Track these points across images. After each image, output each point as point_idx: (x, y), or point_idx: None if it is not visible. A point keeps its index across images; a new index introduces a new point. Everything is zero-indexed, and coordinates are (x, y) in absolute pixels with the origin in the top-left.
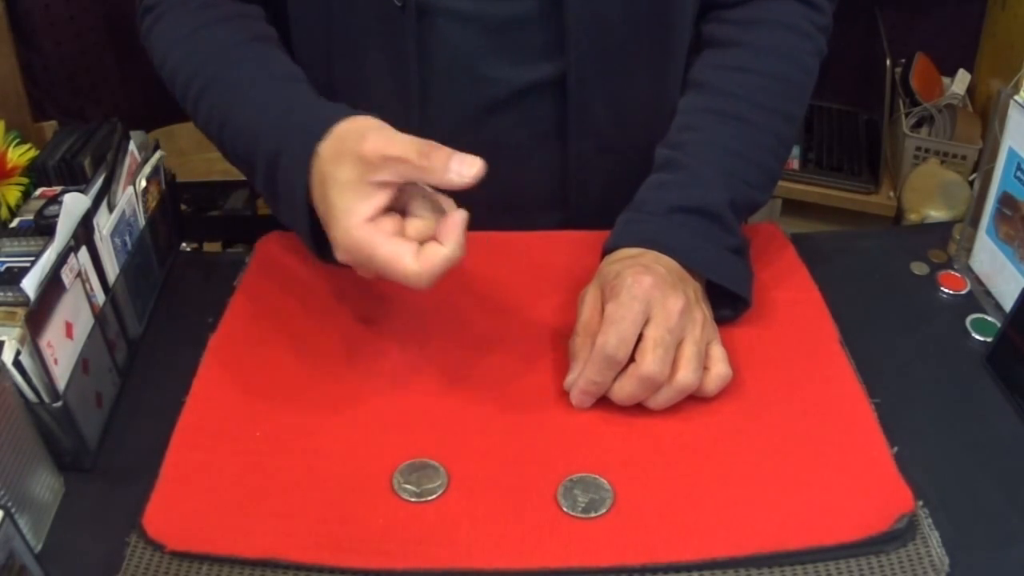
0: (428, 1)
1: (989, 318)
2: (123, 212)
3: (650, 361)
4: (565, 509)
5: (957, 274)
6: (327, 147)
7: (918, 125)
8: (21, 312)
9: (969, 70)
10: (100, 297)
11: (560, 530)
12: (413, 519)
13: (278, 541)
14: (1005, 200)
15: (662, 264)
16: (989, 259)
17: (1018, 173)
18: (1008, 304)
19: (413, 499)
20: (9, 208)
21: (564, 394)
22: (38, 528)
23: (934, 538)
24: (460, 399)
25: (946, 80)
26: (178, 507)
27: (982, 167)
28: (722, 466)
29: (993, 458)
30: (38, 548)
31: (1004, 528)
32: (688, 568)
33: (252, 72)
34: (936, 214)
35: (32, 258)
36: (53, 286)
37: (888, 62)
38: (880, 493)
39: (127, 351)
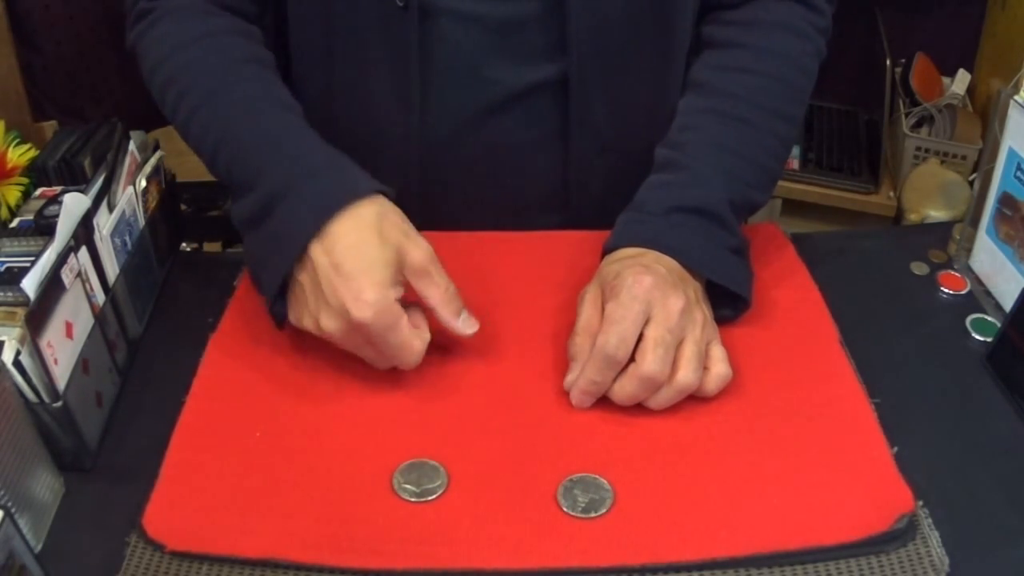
0: (430, 1)
1: (989, 318)
2: (123, 212)
3: (650, 361)
4: (565, 509)
5: (957, 274)
6: (367, 210)
7: (918, 125)
8: (21, 312)
9: (969, 70)
10: (100, 297)
11: (560, 530)
12: (413, 519)
13: (278, 541)
14: (1005, 200)
15: (662, 264)
16: (989, 259)
17: (1018, 173)
18: (1008, 304)
19: (413, 499)
20: (9, 208)
21: (564, 394)
22: (38, 528)
23: (934, 538)
24: (460, 399)
25: (946, 80)
26: (178, 507)
27: (982, 167)
28: (722, 466)
29: (993, 458)
30: (38, 548)
31: (1004, 528)
32: (688, 568)
33: (254, 95)
34: (936, 214)
35: (32, 258)
36: (53, 286)
37: (888, 62)
38: (880, 493)
39: (127, 351)
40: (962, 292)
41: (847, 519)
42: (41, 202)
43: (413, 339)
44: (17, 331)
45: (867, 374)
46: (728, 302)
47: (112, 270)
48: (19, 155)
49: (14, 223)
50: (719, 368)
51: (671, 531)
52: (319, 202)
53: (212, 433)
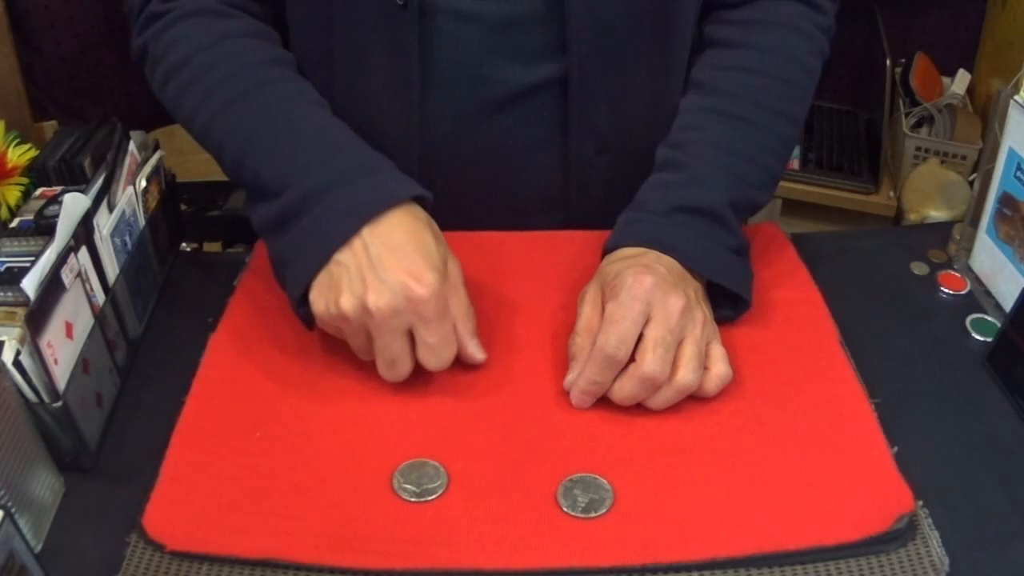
0: (430, 0)
1: (989, 318)
2: (123, 212)
3: (650, 361)
4: (565, 509)
5: (957, 274)
6: (420, 211)
7: (918, 125)
8: (21, 312)
9: (969, 70)
10: (100, 297)
11: (560, 530)
12: (413, 519)
13: (278, 541)
14: (1005, 200)
15: (663, 264)
16: (989, 259)
17: (1018, 173)
18: (1008, 304)
19: (413, 499)
20: (9, 208)
21: (564, 394)
22: (38, 528)
23: (934, 538)
24: (460, 399)
25: (946, 80)
26: (178, 507)
27: (982, 167)
28: (722, 466)
29: (993, 458)
30: (38, 548)
31: (1004, 528)
32: (688, 568)
33: (286, 95)
34: (936, 214)
35: (32, 258)
36: (53, 286)
37: (888, 62)
38: (880, 493)
39: (127, 351)
40: (962, 292)
41: (847, 519)
42: (41, 202)
43: (453, 338)
44: (17, 331)
45: (867, 374)
46: (728, 302)
47: (112, 270)
48: (19, 155)
49: (14, 223)
50: (719, 368)
51: (671, 531)
52: (375, 193)
53: (212, 433)
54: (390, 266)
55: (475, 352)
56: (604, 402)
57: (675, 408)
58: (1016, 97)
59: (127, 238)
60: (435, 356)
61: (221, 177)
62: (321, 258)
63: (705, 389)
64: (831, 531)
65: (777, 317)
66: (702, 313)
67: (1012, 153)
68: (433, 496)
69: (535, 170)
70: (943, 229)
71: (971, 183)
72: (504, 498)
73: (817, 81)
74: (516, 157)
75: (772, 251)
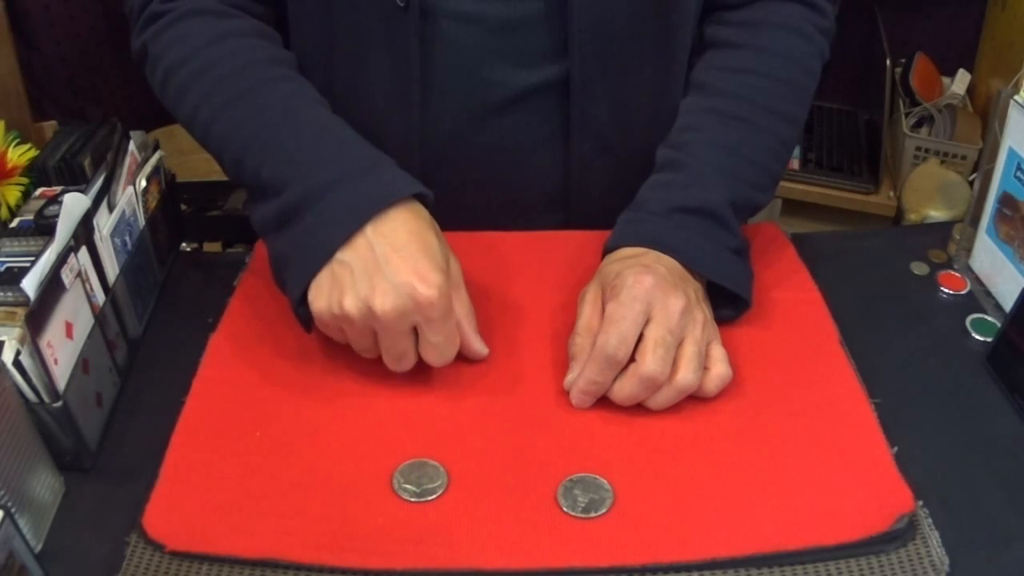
0: (431, 2)
1: (989, 318)
2: (123, 212)
3: (651, 361)
4: (565, 509)
5: (957, 274)
6: (422, 209)
7: (918, 125)
8: (21, 312)
9: (969, 70)
10: (100, 297)
11: (560, 530)
12: (413, 519)
13: (278, 541)
14: (1005, 200)
15: (663, 264)
16: (989, 259)
17: (1018, 173)
18: (1008, 304)
19: (413, 499)
20: (9, 208)
21: (564, 394)
22: (38, 528)
23: (934, 538)
24: (460, 399)
25: (946, 80)
26: (178, 507)
27: (982, 167)
28: (722, 466)
29: (993, 458)
30: (38, 548)
31: (1004, 528)
32: (688, 568)
33: (287, 94)
34: (936, 214)
35: (32, 258)
36: (53, 286)
37: (888, 62)
38: (880, 493)
39: (127, 351)
40: (962, 292)
41: (847, 519)
42: (41, 202)
43: (458, 336)
44: (17, 331)
45: (867, 374)
46: (728, 302)
47: (112, 270)
48: (19, 155)
49: (14, 223)
50: (719, 368)
51: (671, 531)
52: (378, 190)
53: (212, 433)
54: (396, 267)
55: (480, 348)
56: (604, 402)
57: (675, 408)
58: (1016, 97)
59: (127, 238)
60: (439, 354)
61: (221, 177)
62: (324, 256)
63: (705, 389)
64: (831, 531)
65: (777, 317)
66: (702, 313)
67: (1012, 153)
68: (433, 496)
69: (536, 171)
70: (943, 229)
71: (971, 183)
72: (504, 498)
73: (817, 82)
74: (517, 158)
75: (772, 251)
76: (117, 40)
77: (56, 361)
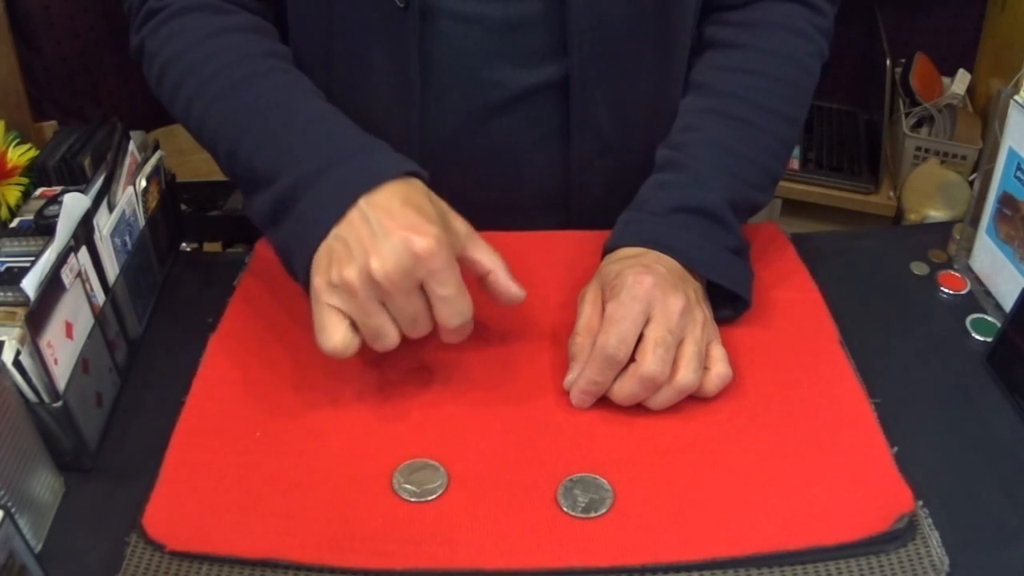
0: (431, 2)
1: (989, 318)
2: (123, 212)
3: (651, 361)
4: (565, 509)
5: (957, 274)
6: (416, 182)
7: (918, 125)
8: (21, 312)
9: (969, 70)
10: (100, 297)
11: (560, 530)
12: (413, 519)
13: (278, 541)
14: (1005, 200)
15: (663, 264)
16: (989, 259)
17: (1018, 173)
18: (1008, 304)
19: (413, 499)
20: (9, 208)
21: (564, 394)
22: (38, 528)
23: (934, 538)
24: (460, 399)
25: (946, 80)
26: (178, 507)
27: (982, 167)
28: (722, 466)
29: (993, 458)
30: (38, 548)
31: (1004, 528)
32: (688, 568)
33: (280, 84)
34: (936, 214)
35: (32, 258)
36: (53, 286)
37: (888, 62)
38: (880, 493)
39: (127, 351)
40: (962, 292)
41: (847, 519)
42: (41, 202)
43: (466, 289)
44: (17, 331)
45: (867, 374)
46: (728, 302)
47: (112, 270)
48: (19, 155)
49: (14, 223)
50: (719, 368)
51: (671, 531)
52: (370, 169)
53: (212, 433)
54: (389, 228)
55: (517, 291)
56: (604, 402)
57: (675, 408)
58: (1016, 97)
59: (127, 238)
60: (451, 308)
61: (221, 177)
62: (319, 236)
63: (705, 389)
64: (831, 531)
65: (777, 317)
66: (702, 313)
67: (1012, 153)
68: (433, 496)
69: (536, 172)
70: (943, 229)
71: (971, 183)
72: (504, 498)
73: (816, 82)
74: (517, 159)
75: (772, 251)
76: (117, 40)
77: (56, 361)
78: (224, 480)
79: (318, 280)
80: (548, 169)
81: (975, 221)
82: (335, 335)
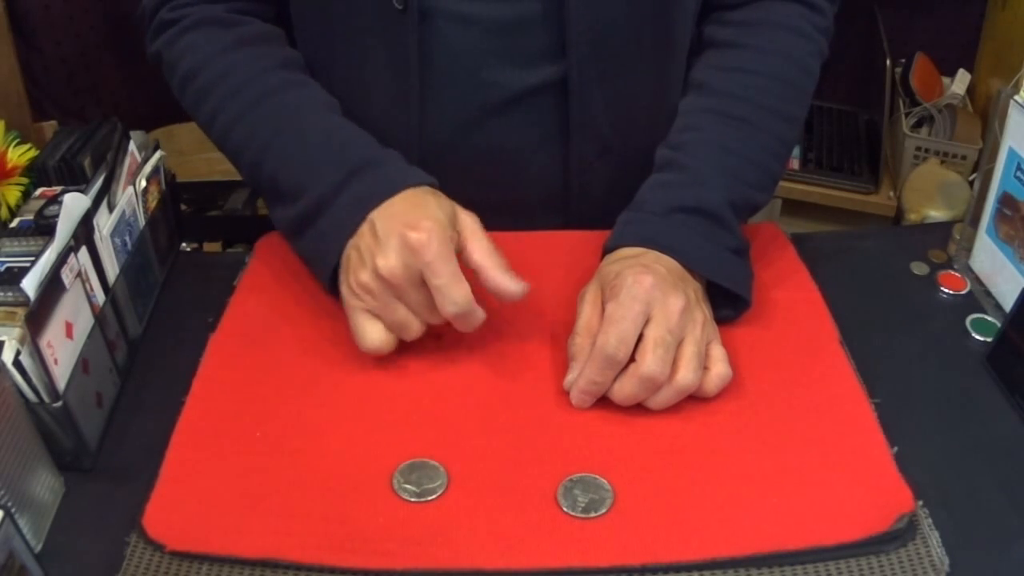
0: (429, 3)
1: (989, 318)
2: (123, 212)
3: (650, 361)
4: (565, 509)
5: (957, 274)
6: (424, 189)
7: (918, 125)
8: (21, 312)
9: (969, 70)
10: (100, 297)
11: (560, 530)
12: (413, 519)
13: (278, 541)
14: (1005, 200)
15: (662, 264)
16: (989, 259)
17: (1018, 173)
18: (1008, 304)
19: (413, 499)
20: (9, 208)
21: (564, 394)
22: (38, 528)
23: (934, 538)
24: (460, 399)
25: (946, 80)
26: (178, 507)
27: (982, 167)
28: (722, 466)
29: (993, 458)
30: (38, 548)
31: (1004, 528)
32: (688, 568)
33: (297, 102)
34: (936, 214)
35: (32, 258)
36: (53, 286)
37: (888, 62)
38: (880, 493)
39: (127, 351)
40: (962, 292)
41: (847, 519)
42: (41, 202)
43: (463, 278)
44: (17, 331)
45: (867, 374)
46: (728, 302)
47: (112, 270)
48: (19, 155)
49: (14, 223)
50: (719, 368)
51: (671, 531)
52: (381, 184)
53: (212, 433)
54: (390, 229)
55: (510, 285)
56: (604, 402)
57: (675, 408)
58: (1016, 97)
59: (127, 238)
60: (444, 297)
61: (221, 177)
62: (336, 251)
63: (705, 389)
64: (831, 531)
65: (777, 317)
66: (702, 313)
67: (1012, 153)
68: (433, 496)
69: (535, 173)
70: (943, 229)
71: (971, 183)
72: (504, 498)
73: (816, 82)
74: (516, 160)
75: (772, 251)
76: (117, 40)
77: (56, 361)
78: (224, 480)
79: (344, 289)
80: (547, 169)
81: (975, 221)
82: (368, 335)
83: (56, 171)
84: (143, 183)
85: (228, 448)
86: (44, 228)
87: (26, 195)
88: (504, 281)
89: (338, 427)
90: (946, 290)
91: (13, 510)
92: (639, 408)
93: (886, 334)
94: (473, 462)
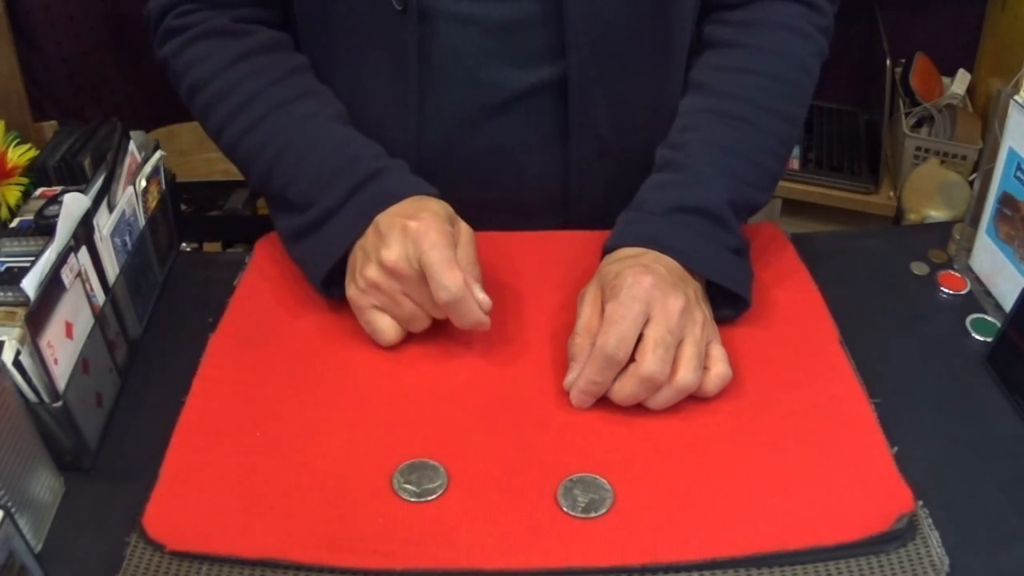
0: (429, 4)
1: (989, 318)
2: (123, 212)
3: (650, 361)
4: (565, 509)
5: (957, 274)
6: (426, 197)
7: (918, 125)
8: (21, 312)
9: (969, 70)
10: (100, 297)
11: (560, 530)
12: (413, 519)
13: (278, 541)
14: (1005, 200)
15: (662, 264)
16: (989, 259)
17: (1018, 173)
18: (1008, 304)
19: (413, 499)
20: (9, 208)
21: (564, 394)
22: (38, 528)
23: (934, 538)
24: (460, 399)
25: (946, 80)
26: (178, 507)
27: (982, 167)
28: (722, 466)
29: (993, 458)
30: (38, 548)
31: (1004, 528)
32: (688, 568)
33: (306, 113)
34: (936, 214)
35: (32, 258)
36: (53, 286)
37: (888, 62)
38: (880, 493)
39: (127, 351)
40: (962, 292)
41: (847, 519)
42: (41, 202)
43: (456, 266)
44: (17, 331)
45: (867, 374)
46: (728, 302)
47: (112, 270)
48: (19, 155)
49: (14, 223)
50: (719, 368)
51: (671, 531)
52: (384, 194)
53: (212, 433)
54: (391, 223)
55: (480, 296)
56: (604, 402)
57: (675, 408)
58: (1016, 97)
59: (127, 238)
60: (438, 283)
61: (221, 177)
62: (334, 255)
63: (705, 389)
64: (831, 531)
65: (777, 317)
66: (702, 313)
67: (1012, 153)
68: (433, 496)
69: (535, 173)
70: (943, 229)
71: (971, 183)
72: (504, 498)
73: (816, 82)
74: (515, 160)
75: (772, 251)
76: (117, 40)
77: (56, 361)
78: (224, 480)
79: (352, 291)
80: (547, 170)
81: (975, 221)
82: (383, 332)
83: (56, 171)
84: (143, 183)
85: (228, 448)
86: (44, 228)
87: (26, 195)
88: (480, 296)
89: (338, 427)
90: (946, 290)
91: (13, 510)
92: (639, 408)
93: (886, 334)
94: (473, 462)
